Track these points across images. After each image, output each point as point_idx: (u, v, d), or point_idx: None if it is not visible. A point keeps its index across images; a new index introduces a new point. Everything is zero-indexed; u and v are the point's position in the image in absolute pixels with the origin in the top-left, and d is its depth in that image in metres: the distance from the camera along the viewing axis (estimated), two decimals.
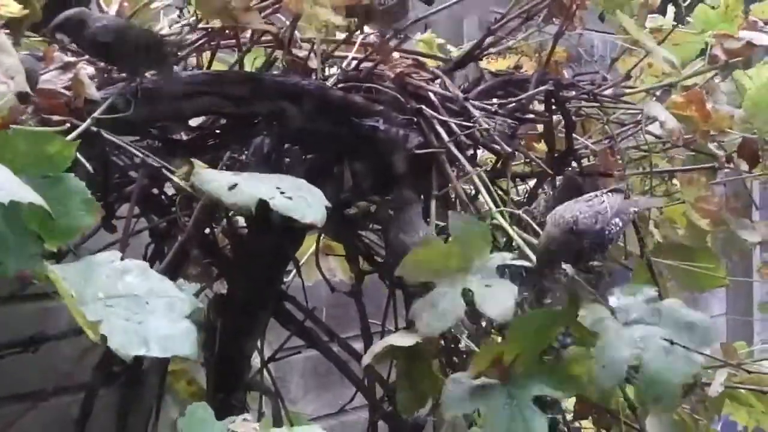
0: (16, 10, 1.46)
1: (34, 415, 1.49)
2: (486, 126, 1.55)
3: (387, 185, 1.62)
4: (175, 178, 1.32)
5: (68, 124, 1.27)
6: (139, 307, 1.13)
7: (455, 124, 1.54)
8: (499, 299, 1.30)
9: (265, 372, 1.88)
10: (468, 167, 1.50)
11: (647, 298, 1.39)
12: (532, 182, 1.73)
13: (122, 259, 1.18)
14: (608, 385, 1.34)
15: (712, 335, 1.37)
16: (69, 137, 1.21)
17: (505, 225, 1.43)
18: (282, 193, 1.29)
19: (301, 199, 1.30)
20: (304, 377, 2.60)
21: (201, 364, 1.82)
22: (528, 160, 1.76)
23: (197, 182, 1.30)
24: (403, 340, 1.37)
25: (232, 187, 1.28)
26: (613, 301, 1.38)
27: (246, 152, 1.58)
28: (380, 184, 1.63)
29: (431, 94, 1.59)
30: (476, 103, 1.61)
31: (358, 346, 1.84)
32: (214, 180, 1.30)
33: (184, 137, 1.61)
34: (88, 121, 1.27)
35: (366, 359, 1.42)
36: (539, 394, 1.32)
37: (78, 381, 1.65)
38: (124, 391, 1.74)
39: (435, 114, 1.55)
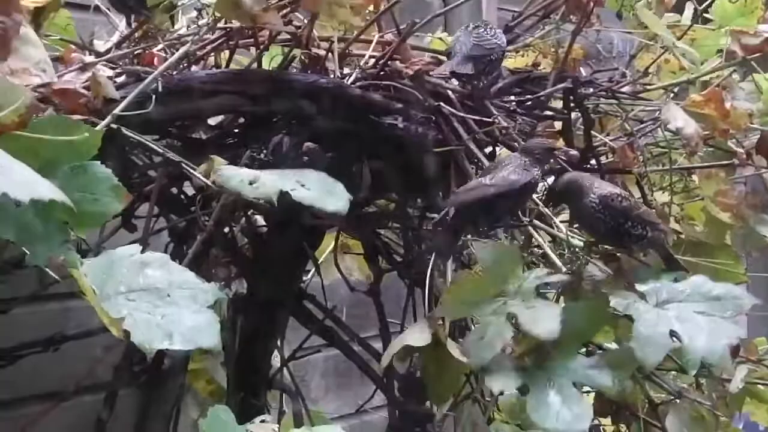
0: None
1: (56, 415, 1.49)
2: (504, 124, 1.55)
3: (406, 183, 1.63)
4: (197, 174, 1.32)
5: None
6: (161, 300, 1.14)
7: (474, 121, 1.54)
8: (545, 319, 1.30)
9: (285, 371, 1.88)
10: (487, 163, 1.50)
11: (673, 278, 1.41)
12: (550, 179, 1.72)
13: (142, 252, 1.18)
14: (653, 362, 1.33)
15: (743, 302, 1.37)
16: None
17: (536, 235, 1.43)
18: (303, 185, 1.30)
19: (322, 191, 1.31)
20: (325, 377, 2.60)
21: (221, 363, 1.82)
22: None
23: (219, 179, 1.30)
24: (418, 338, 1.36)
25: (254, 181, 1.28)
26: (639, 287, 1.39)
27: (265, 151, 1.58)
28: (399, 182, 1.64)
29: (450, 92, 1.59)
30: (495, 101, 1.61)
31: (378, 345, 1.85)
32: (236, 176, 1.31)
33: (203, 136, 1.61)
34: (109, 117, 1.27)
35: (385, 361, 1.42)
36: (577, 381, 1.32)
37: (99, 381, 1.66)
38: (144, 390, 1.75)
39: (453, 111, 1.55)
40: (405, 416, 1.71)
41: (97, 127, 1.24)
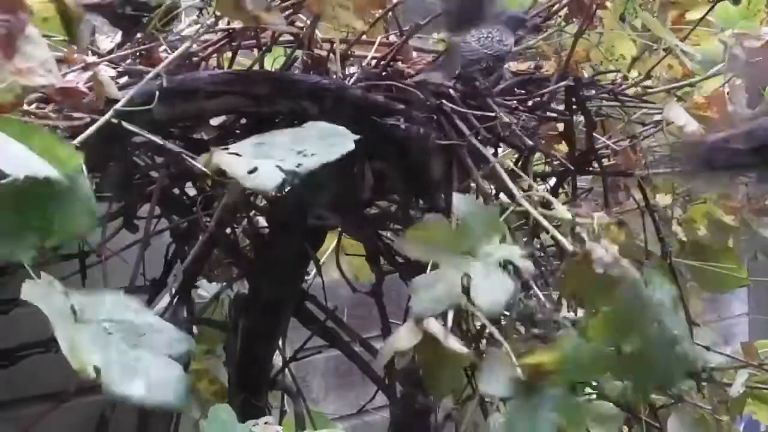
0: None
1: (57, 415, 1.49)
2: (507, 120, 1.55)
3: (408, 184, 1.63)
4: (198, 164, 1.31)
5: (88, 119, 1.26)
6: (138, 338, 1.09)
7: (475, 116, 1.54)
8: (493, 291, 1.26)
9: (287, 371, 1.88)
10: (490, 157, 1.50)
11: None
12: (552, 181, 1.73)
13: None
14: None
15: None
16: (89, 130, 1.21)
17: (529, 207, 1.41)
18: (305, 155, 1.24)
19: (326, 146, 1.25)
20: (326, 377, 2.60)
21: (223, 364, 1.82)
22: (548, 159, 1.77)
23: (216, 165, 1.26)
24: (405, 341, 1.33)
25: (252, 170, 1.25)
26: None
27: None
28: (401, 183, 1.64)
29: (451, 90, 1.59)
30: (497, 99, 1.61)
31: (379, 345, 1.85)
32: (234, 163, 1.25)
33: (206, 137, 1.61)
34: (110, 113, 1.27)
35: (379, 365, 1.40)
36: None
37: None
38: None
39: (455, 107, 1.55)
40: (407, 411, 1.71)
41: (98, 122, 1.23)
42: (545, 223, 1.40)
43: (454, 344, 1.31)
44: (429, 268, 1.30)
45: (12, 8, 1.04)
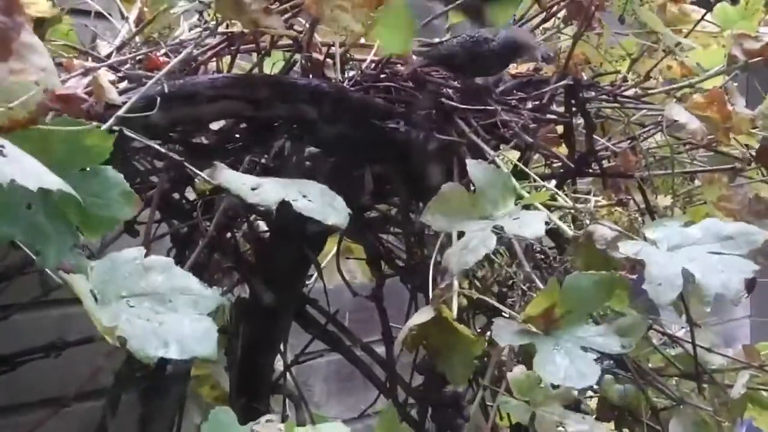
0: (45, 8, 1.47)
1: (57, 421, 1.49)
2: (506, 118, 1.55)
3: (408, 188, 1.63)
4: (203, 175, 1.32)
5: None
6: (162, 306, 1.12)
7: (475, 111, 1.54)
8: (531, 224, 1.32)
9: (288, 376, 1.88)
10: (489, 152, 1.50)
11: (681, 223, 1.40)
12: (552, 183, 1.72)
13: (146, 256, 1.17)
14: (667, 300, 1.30)
15: (756, 237, 1.35)
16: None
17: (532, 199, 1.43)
18: (305, 196, 1.30)
19: (323, 203, 1.31)
20: (327, 381, 2.60)
21: (225, 369, 1.82)
22: (548, 162, 1.77)
23: (220, 181, 1.30)
24: (421, 317, 1.37)
25: (256, 187, 1.28)
26: (649, 234, 1.37)
27: (266, 156, 1.58)
28: (401, 186, 1.64)
29: (450, 91, 1.59)
30: (497, 98, 1.61)
31: (381, 349, 1.85)
32: (238, 180, 1.31)
33: (205, 141, 1.61)
34: (112, 119, 1.27)
35: (397, 348, 1.42)
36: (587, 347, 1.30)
37: (100, 386, 1.66)
38: (147, 396, 1.75)
39: (455, 104, 1.55)
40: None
41: (101, 129, 1.24)
42: (546, 212, 1.40)
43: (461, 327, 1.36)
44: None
45: (8, 11, 1.04)
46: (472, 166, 1.40)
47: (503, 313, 1.37)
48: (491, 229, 1.33)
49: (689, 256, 1.32)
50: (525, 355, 1.35)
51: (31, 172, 0.99)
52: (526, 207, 1.38)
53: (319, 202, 1.31)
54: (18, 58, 1.05)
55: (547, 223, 1.36)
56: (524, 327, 1.31)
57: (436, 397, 1.69)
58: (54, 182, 1.01)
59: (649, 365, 1.68)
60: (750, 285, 1.36)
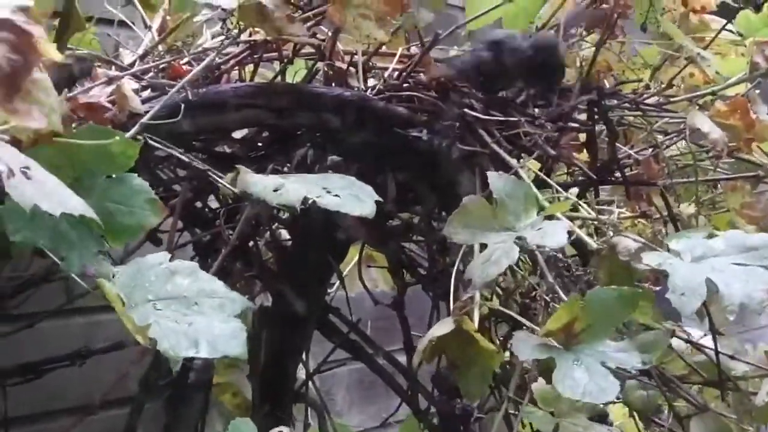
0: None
1: (82, 429, 1.49)
2: (530, 130, 1.55)
3: (430, 196, 1.63)
4: (223, 182, 1.32)
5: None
6: (189, 308, 1.13)
7: (498, 122, 1.54)
8: (554, 232, 1.33)
9: (310, 384, 1.88)
10: (512, 162, 1.50)
11: (705, 234, 1.39)
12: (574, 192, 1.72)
13: (171, 260, 1.18)
14: (690, 310, 1.29)
15: None
16: None
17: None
18: (329, 192, 1.30)
19: (349, 195, 1.31)
20: (349, 390, 2.60)
21: (247, 377, 1.82)
22: (570, 170, 1.76)
23: (243, 185, 1.30)
24: (441, 329, 1.36)
25: (278, 189, 1.28)
26: (673, 246, 1.37)
27: (289, 164, 1.59)
28: (424, 195, 1.64)
29: (474, 101, 1.59)
30: (519, 109, 1.61)
31: (402, 358, 1.85)
32: (260, 182, 1.31)
33: (228, 150, 1.61)
34: (136, 127, 1.27)
35: (416, 360, 1.42)
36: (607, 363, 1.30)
37: (124, 395, 1.66)
38: (170, 404, 1.75)
39: (478, 115, 1.55)
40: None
41: (126, 137, 1.24)
42: (568, 222, 1.40)
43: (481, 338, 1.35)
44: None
45: (23, 50, 1.03)
46: (493, 178, 1.40)
47: (524, 326, 1.37)
48: (514, 240, 1.33)
49: (713, 267, 1.32)
50: (545, 369, 1.34)
51: (55, 196, 1.00)
52: (549, 217, 1.38)
53: (344, 195, 1.30)
54: (24, 95, 1.04)
55: (570, 234, 1.36)
56: (544, 341, 1.31)
57: (447, 409, 1.69)
58: (77, 207, 1.02)
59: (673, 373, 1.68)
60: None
